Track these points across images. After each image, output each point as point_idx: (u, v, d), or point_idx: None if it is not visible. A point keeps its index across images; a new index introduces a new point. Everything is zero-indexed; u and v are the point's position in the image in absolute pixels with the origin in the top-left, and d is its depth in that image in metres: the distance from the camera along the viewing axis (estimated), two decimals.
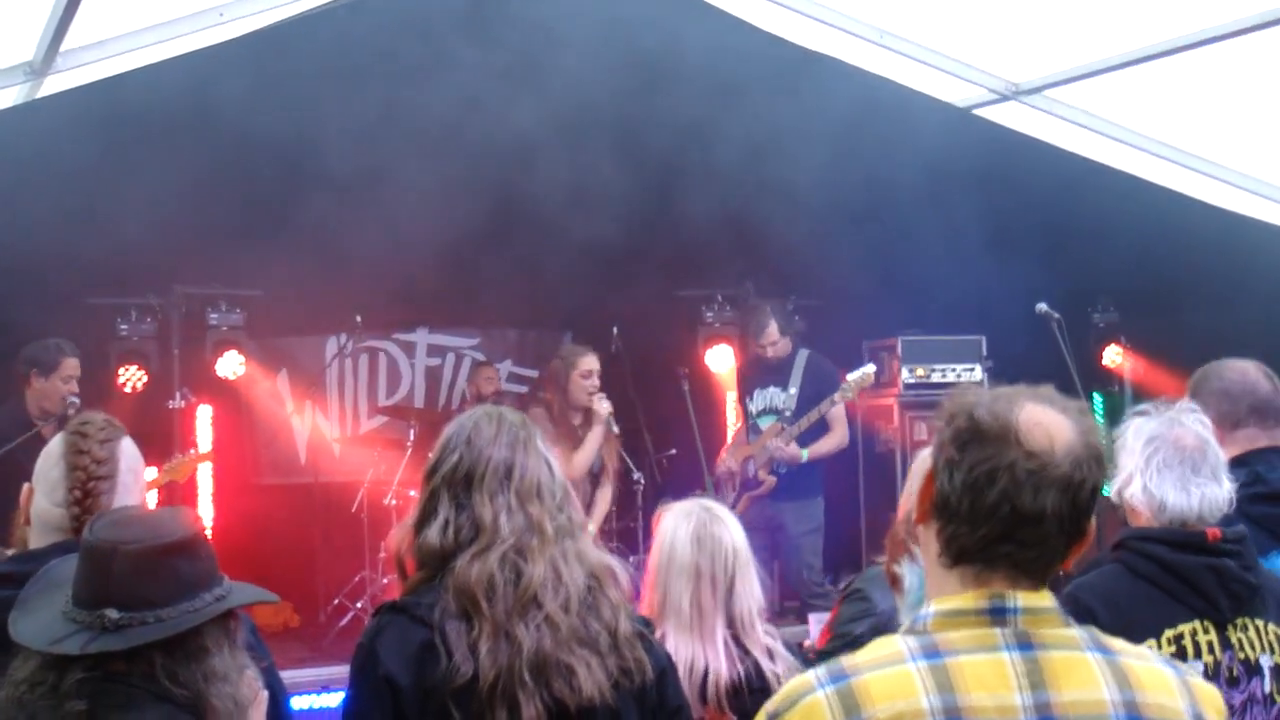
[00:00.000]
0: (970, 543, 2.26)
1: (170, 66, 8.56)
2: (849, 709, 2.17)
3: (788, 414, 9.42)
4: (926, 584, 2.41)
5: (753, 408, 9.73)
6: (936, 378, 10.98)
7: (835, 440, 9.43)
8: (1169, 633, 3.48)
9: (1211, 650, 3.49)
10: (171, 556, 2.48)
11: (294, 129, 8.70)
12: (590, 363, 8.92)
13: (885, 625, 3.97)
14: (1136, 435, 3.72)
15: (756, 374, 9.80)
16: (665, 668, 3.31)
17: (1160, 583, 3.55)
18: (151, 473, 8.13)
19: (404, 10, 8.71)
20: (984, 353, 11.18)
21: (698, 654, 4.03)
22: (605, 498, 9.19)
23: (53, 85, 8.51)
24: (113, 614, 2.43)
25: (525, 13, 8.84)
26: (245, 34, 8.64)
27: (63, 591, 2.55)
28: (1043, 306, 8.38)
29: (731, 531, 4.18)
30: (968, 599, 2.26)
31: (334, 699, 8.25)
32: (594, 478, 9.06)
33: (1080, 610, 3.24)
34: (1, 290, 8.77)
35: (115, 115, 8.58)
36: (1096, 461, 2.26)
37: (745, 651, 4.06)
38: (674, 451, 11.03)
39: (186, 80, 8.61)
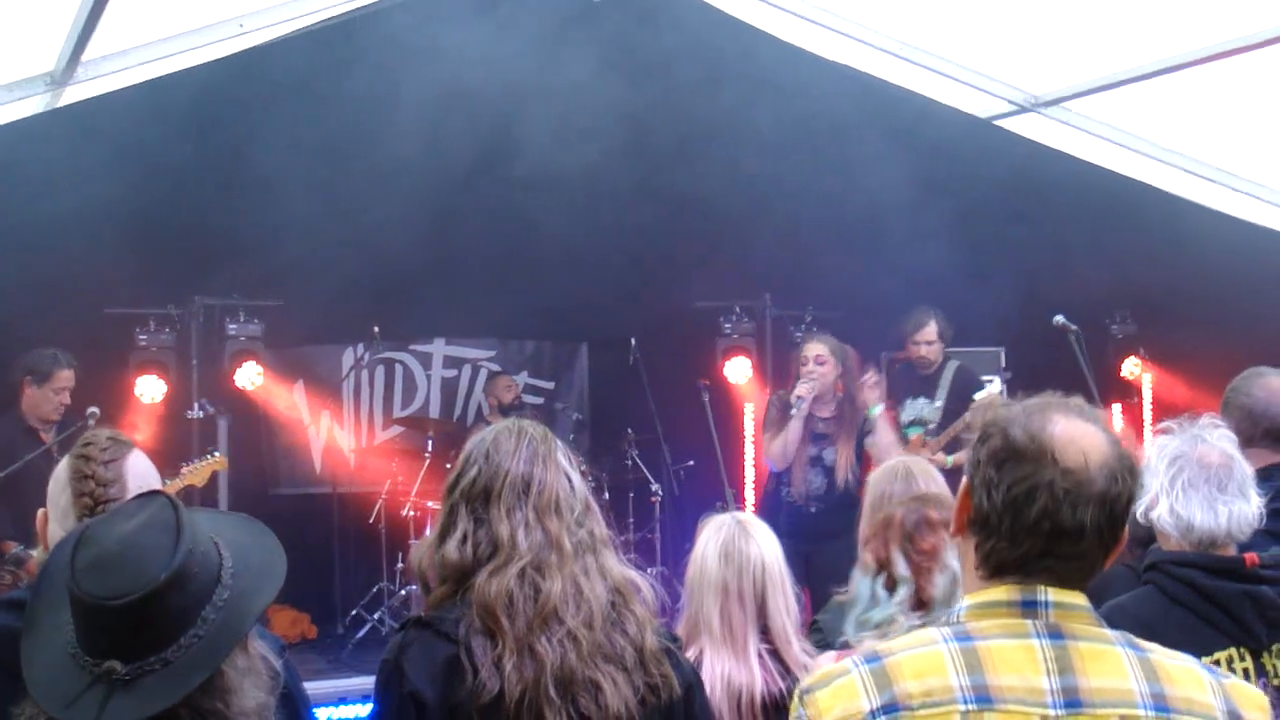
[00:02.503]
0: (1010, 558, 2.29)
1: (189, 76, 8.57)
2: (882, 685, 2.23)
3: (933, 426, 9.35)
4: (964, 591, 2.42)
5: (903, 418, 9.57)
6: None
7: None
8: (1205, 660, 3.43)
9: (1247, 677, 3.45)
10: (161, 599, 2.35)
11: (312, 139, 8.72)
12: (808, 350, 8.96)
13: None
14: (1160, 455, 3.68)
15: (907, 385, 9.68)
16: (693, 684, 3.29)
17: (1196, 609, 3.52)
18: (171, 482, 8.14)
19: (427, 13, 8.71)
20: (1003, 364, 11.16)
21: (732, 670, 4.00)
22: None
23: (73, 95, 8.53)
24: (118, 667, 2.34)
25: (544, 28, 8.85)
26: (264, 43, 8.65)
27: (65, 609, 2.45)
28: (1060, 319, 8.34)
29: (761, 546, 4.14)
30: (1000, 592, 2.30)
31: (351, 710, 8.26)
32: None
33: None
34: (22, 300, 8.79)
35: (134, 125, 8.60)
36: (1130, 472, 2.29)
37: (784, 668, 4.03)
38: (692, 463, 11.01)
39: (204, 90, 8.63)
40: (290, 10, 8.62)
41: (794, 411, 8.76)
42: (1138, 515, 3.72)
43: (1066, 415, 2.31)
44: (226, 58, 8.60)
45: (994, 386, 9.25)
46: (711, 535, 4.18)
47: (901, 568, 3.60)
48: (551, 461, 3.30)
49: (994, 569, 2.31)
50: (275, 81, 8.56)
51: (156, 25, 8.27)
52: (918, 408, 9.51)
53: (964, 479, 2.39)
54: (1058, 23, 8.73)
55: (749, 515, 4.40)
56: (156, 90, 8.59)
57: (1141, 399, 11.86)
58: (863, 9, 9.30)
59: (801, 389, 8.68)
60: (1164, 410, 11.37)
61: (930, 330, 9.40)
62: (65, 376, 8.16)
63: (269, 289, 10.47)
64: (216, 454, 8.63)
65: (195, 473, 8.22)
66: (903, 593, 3.58)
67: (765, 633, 4.09)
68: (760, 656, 4.04)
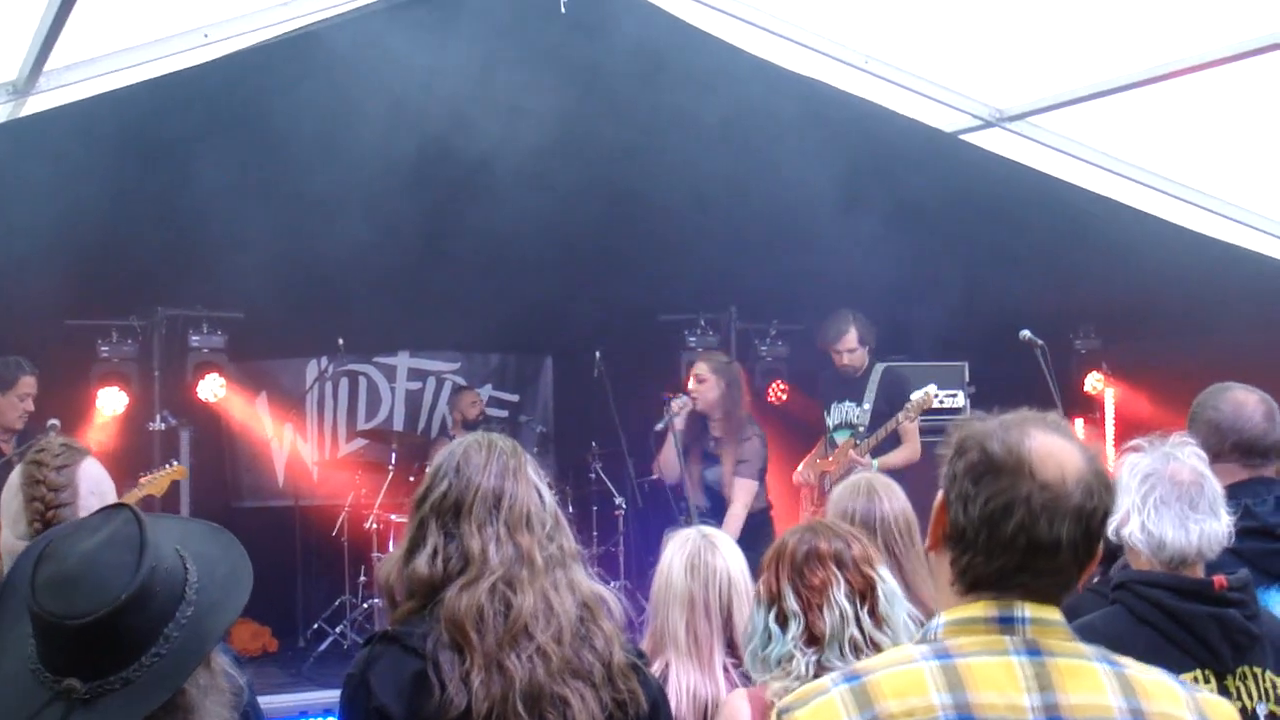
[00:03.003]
0: (986, 572, 2.29)
1: (153, 88, 8.53)
2: (862, 705, 2.21)
3: (862, 429, 9.34)
4: (937, 607, 2.41)
5: (830, 422, 9.62)
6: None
7: (905, 454, 9.23)
8: None
9: None
10: (121, 618, 2.31)
11: (278, 151, 8.68)
12: (695, 368, 9.15)
13: None
14: (1132, 473, 3.67)
15: (834, 389, 9.69)
16: (658, 700, 3.29)
17: (1163, 629, 3.51)
18: (130, 492, 8.09)
19: (400, 25, 8.69)
20: (967, 378, 11.17)
21: (698, 683, 4.01)
22: None
23: (36, 105, 8.47)
24: (76, 684, 2.30)
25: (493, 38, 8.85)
26: (228, 54, 8.62)
27: (26, 622, 2.40)
28: (1026, 333, 8.37)
29: (727, 559, 4.15)
30: (977, 608, 2.29)
31: None
32: None
33: None
34: None
35: (98, 136, 8.54)
36: (1106, 488, 2.30)
37: (749, 680, 4.03)
38: (655, 476, 10.98)
39: (168, 102, 8.59)
40: (255, 21, 8.59)
41: (658, 426, 9.09)
42: (1108, 533, 3.72)
43: (1044, 430, 2.31)
44: (189, 69, 8.56)
45: (930, 388, 9.23)
46: (677, 549, 4.18)
47: (791, 602, 3.54)
48: (522, 475, 3.29)
49: (970, 584, 2.31)
50: (236, 94, 8.53)
51: (120, 35, 8.23)
52: (844, 411, 9.53)
53: (939, 493, 2.38)
54: (1022, 38, 8.76)
55: (714, 529, 4.40)
56: (119, 101, 8.54)
57: (1104, 414, 11.91)
58: (828, 23, 9.32)
59: (674, 405, 8.77)
60: (1126, 425, 11.42)
61: (850, 338, 9.43)
62: (28, 383, 8.13)
63: (232, 301, 10.43)
64: (175, 464, 8.58)
65: (154, 483, 8.17)
66: (794, 628, 3.52)
67: (731, 646, 4.08)
68: (726, 670, 4.04)
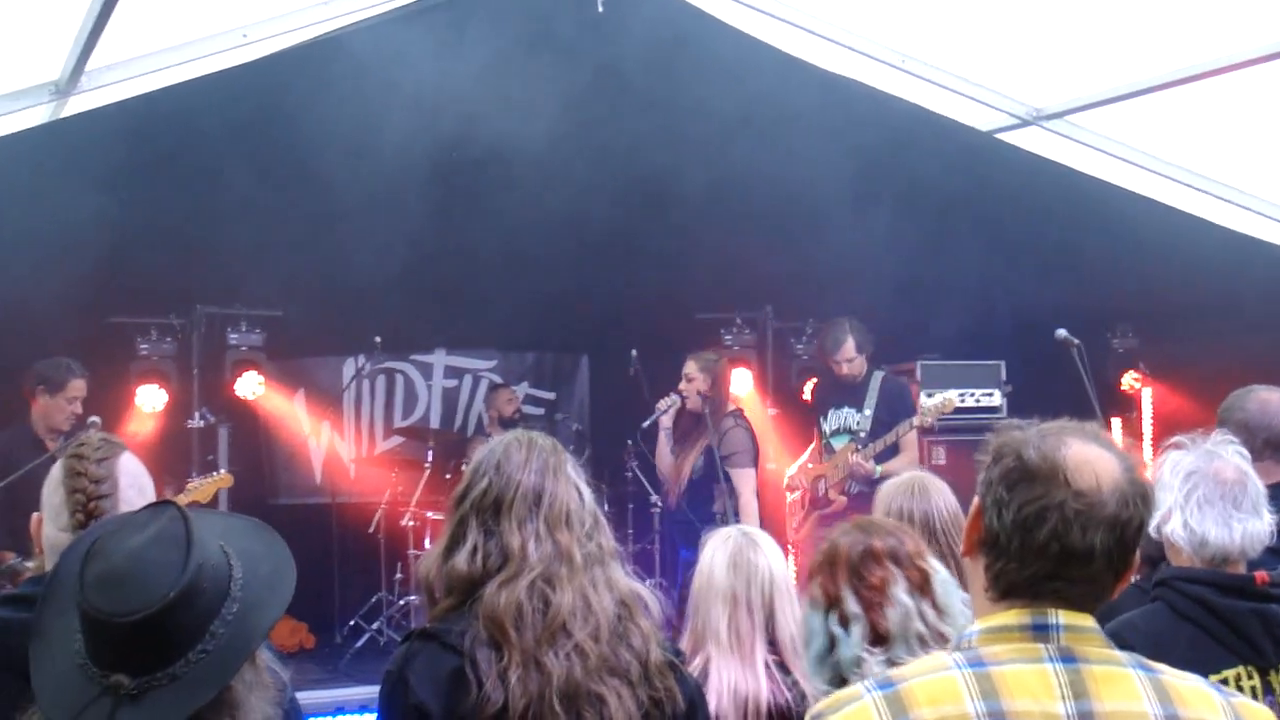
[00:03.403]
0: (1019, 579, 2.28)
1: (193, 88, 8.60)
2: (896, 712, 2.21)
3: (862, 434, 9.28)
4: (974, 613, 2.42)
5: (826, 428, 9.56)
6: (955, 401, 10.90)
7: (905, 460, 9.12)
8: (1213, 678, 3.37)
9: (1255, 695, 3.43)
10: (169, 615, 2.34)
11: (313, 150, 8.72)
12: (685, 368, 9.07)
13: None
14: (1174, 470, 3.66)
15: (831, 394, 9.64)
16: (695, 699, 3.29)
17: (1205, 626, 3.51)
18: (176, 498, 8.13)
19: (423, 27, 8.73)
20: (1003, 377, 11.12)
21: (739, 679, 4.00)
22: None
23: (77, 105, 8.54)
24: (124, 680, 2.33)
25: (546, 38, 8.88)
26: (267, 55, 8.67)
27: (73, 618, 2.42)
28: (1062, 333, 8.30)
29: (769, 557, 4.16)
30: (1010, 616, 2.28)
31: None
32: None
33: (1122, 648, 3.22)
34: (23, 309, 8.78)
35: (138, 136, 8.63)
36: (1143, 499, 2.28)
37: (791, 679, 4.04)
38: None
39: (208, 102, 8.66)
40: (294, 21, 8.64)
41: (645, 424, 9.15)
42: (1150, 530, 3.71)
43: (1081, 439, 2.31)
44: (227, 70, 8.62)
45: (950, 394, 9.18)
46: (719, 546, 4.18)
47: (852, 604, 3.52)
48: (562, 473, 3.31)
49: (1003, 591, 2.31)
50: (272, 94, 8.57)
51: (161, 35, 8.29)
52: (843, 416, 9.48)
53: (975, 499, 2.38)
54: (1060, 36, 8.74)
55: (755, 528, 4.40)
56: (159, 101, 8.62)
57: (1141, 412, 11.85)
58: (865, 22, 9.32)
59: (661, 403, 8.77)
60: (1164, 424, 11.38)
61: (848, 347, 9.34)
62: (77, 386, 8.14)
63: (271, 299, 10.47)
64: (222, 471, 8.63)
65: (200, 489, 8.22)
66: (857, 631, 3.51)
67: (772, 644, 4.09)
68: (767, 666, 4.04)
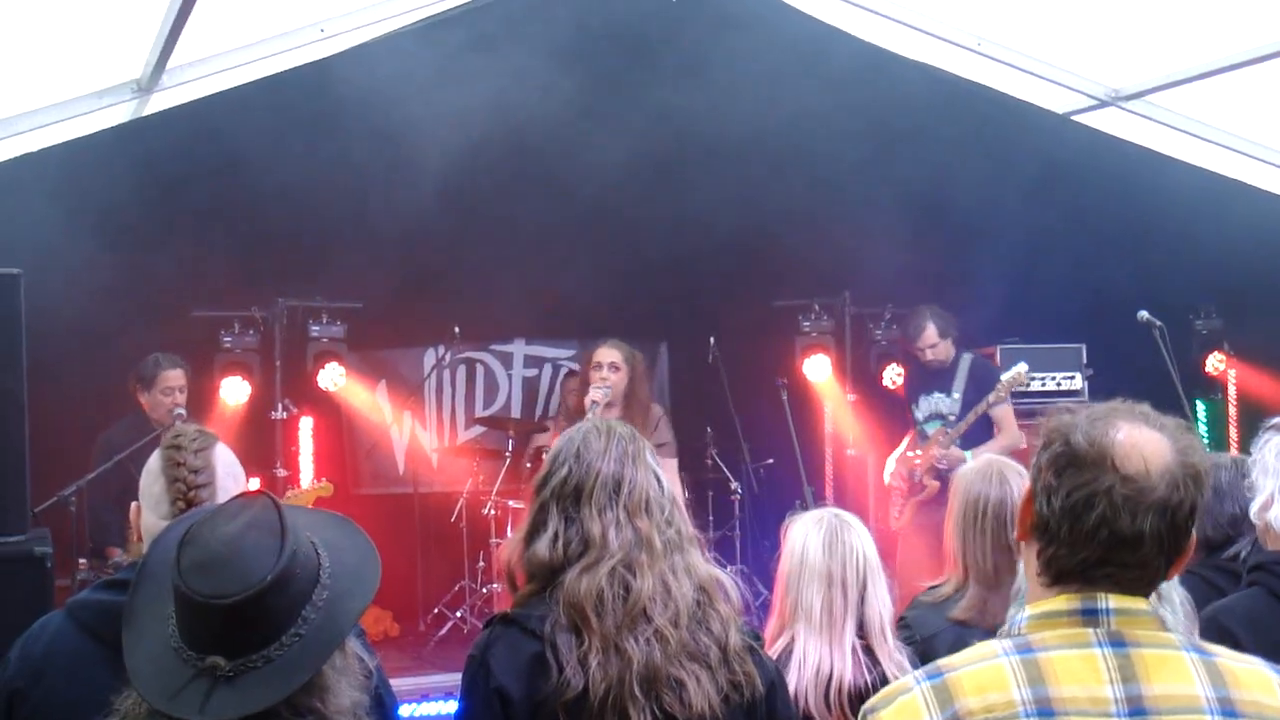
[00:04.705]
0: (1070, 565, 2.28)
1: (271, 83, 8.70)
2: (943, 702, 2.21)
3: (952, 418, 9.17)
4: (1027, 598, 2.41)
5: (919, 415, 9.44)
6: (1036, 386, 10.81)
7: (1004, 442, 8.99)
8: None
9: None
10: (266, 599, 2.40)
11: (392, 143, 8.80)
12: (598, 355, 8.77)
13: (927, 650, 4.03)
14: (1276, 454, 3.62)
15: (921, 381, 9.52)
16: (774, 681, 3.30)
17: None
18: (254, 483, 8.24)
19: (509, 21, 8.79)
20: (1084, 360, 11.05)
21: (825, 657, 4.03)
22: None
23: (158, 103, 8.65)
24: (221, 662, 2.39)
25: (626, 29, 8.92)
26: (347, 49, 8.75)
27: (165, 603, 2.50)
28: (1144, 314, 8.23)
29: (862, 539, 4.19)
30: (1059, 602, 2.28)
31: (434, 708, 8.31)
32: None
33: (1221, 633, 3.19)
34: (109, 305, 8.91)
35: (218, 131, 8.73)
36: (1194, 480, 2.26)
37: (875, 661, 4.05)
38: (771, 461, 10.99)
39: (286, 97, 8.75)
40: (371, 15, 8.72)
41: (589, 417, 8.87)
42: (1251, 514, 3.68)
43: (1131, 421, 2.29)
44: (308, 64, 8.71)
45: (1020, 367, 9.03)
46: (812, 527, 4.20)
47: None
48: (641, 461, 3.33)
49: (1055, 576, 2.31)
50: (353, 88, 8.63)
51: (239, 32, 8.39)
52: (934, 402, 9.33)
53: (1026, 484, 2.39)
54: (1138, 16, 8.67)
55: (845, 511, 4.40)
56: (239, 96, 8.72)
57: (1226, 395, 11.73)
58: (940, 6, 9.28)
59: (595, 395, 8.63)
60: (1248, 406, 11.26)
61: (930, 333, 9.21)
62: (172, 376, 8.28)
63: (351, 291, 10.55)
64: (324, 481, 8.76)
65: (299, 498, 8.32)
66: None
67: (860, 628, 4.11)
68: (854, 649, 4.06)
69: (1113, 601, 2.26)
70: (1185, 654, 2.25)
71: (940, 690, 2.23)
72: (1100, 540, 2.23)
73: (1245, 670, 2.27)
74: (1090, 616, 2.25)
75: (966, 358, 9.34)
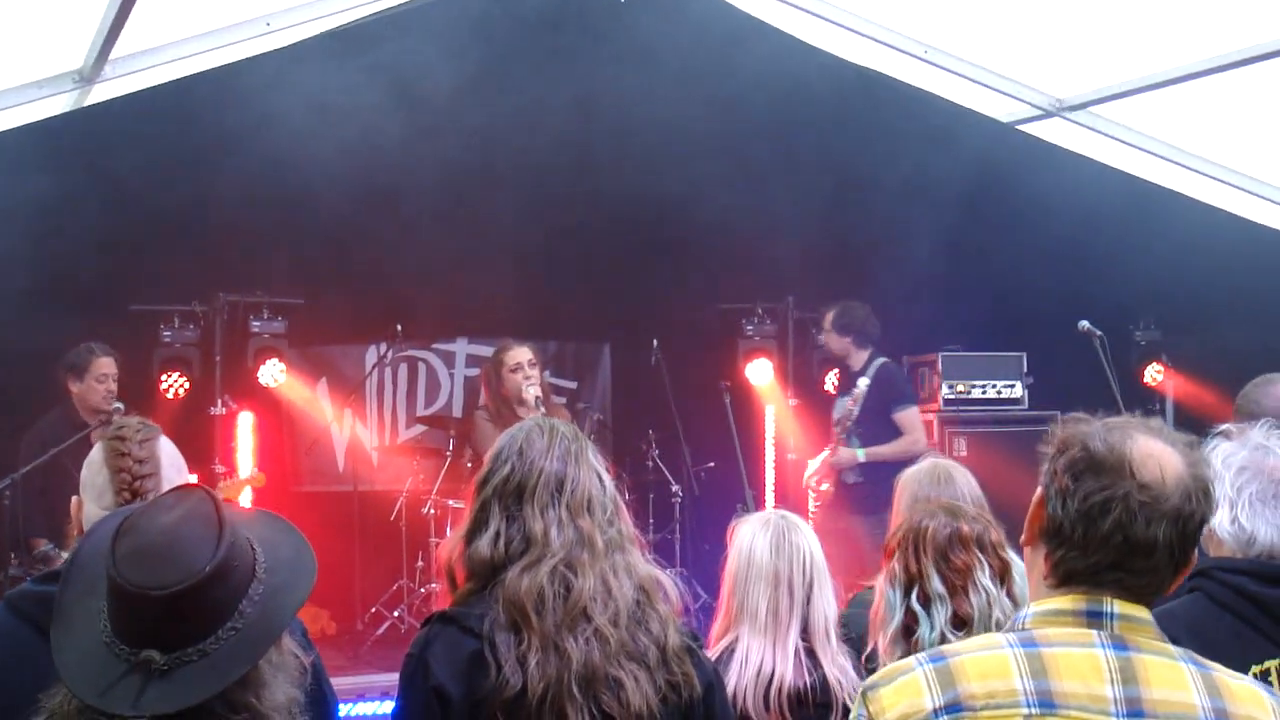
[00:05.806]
0: (1080, 568, 2.33)
1: (216, 76, 8.63)
2: (945, 684, 2.27)
3: (848, 422, 9.17)
4: (1031, 600, 2.45)
5: (834, 417, 9.49)
6: (977, 394, 10.89)
7: (901, 445, 9.01)
8: (1255, 668, 3.37)
9: None
10: (204, 590, 2.37)
11: (337, 140, 8.75)
12: (517, 356, 8.80)
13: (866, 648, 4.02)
14: (1226, 463, 3.58)
15: (841, 385, 9.64)
16: (712, 682, 3.30)
17: (1245, 615, 3.45)
18: (193, 478, 8.17)
19: (457, 19, 8.75)
20: (1025, 369, 11.12)
21: (767, 658, 4.05)
22: None
23: (100, 94, 8.57)
24: (155, 656, 2.35)
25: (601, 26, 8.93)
26: (289, 45, 8.70)
27: (97, 597, 2.46)
28: (1085, 324, 8.30)
29: (809, 540, 4.22)
30: (1066, 600, 2.34)
31: (370, 707, 8.30)
32: None
33: None
34: (46, 298, 8.81)
35: (161, 124, 8.66)
36: (1204, 494, 2.33)
37: (816, 663, 4.07)
38: (712, 464, 11.00)
39: (231, 90, 8.68)
40: (316, 10, 8.67)
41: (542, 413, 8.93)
42: None
43: (1147, 433, 2.35)
44: (252, 58, 8.65)
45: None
46: (759, 528, 4.22)
47: (937, 584, 3.57)
48: (584, 460, 3.33)
49: (1063, 578, 2.36)
50: (299, 84, 8.58)
51: (184, 24, 8.32)
52: (842, 405, 9.40)
53: (1038, 489, 2.43)
54: (1083, 27, 8.73)
55: (791, 513, 4.41)
56: (182, 89, 8.65)
57: (1164, 406, 11.83)
58: (886, 12, 9.32)
59: (536, 391, 8.65)
60: (1186, 417, 11.35)
61: (826, 321, 9.49)
62: (103, 364, 8.27)
63: (292, 287, 10.49)
64: (257, 472, 8.73)
65: (233, 487, 8.27)
66: (941, 612, 3.55)
67: (804, 630, 4.12)
68: (797, 651, 4.07)
69: (1117, 606, 2.32)
70: (1183, 664, 2.31)
71: (943, 673, 2.28)
72: (1114, 545, 2.29)
73: (1240, 686, 2.33)
74: (1095, 618, 2.31)
75: (876, 362, 9.39)
